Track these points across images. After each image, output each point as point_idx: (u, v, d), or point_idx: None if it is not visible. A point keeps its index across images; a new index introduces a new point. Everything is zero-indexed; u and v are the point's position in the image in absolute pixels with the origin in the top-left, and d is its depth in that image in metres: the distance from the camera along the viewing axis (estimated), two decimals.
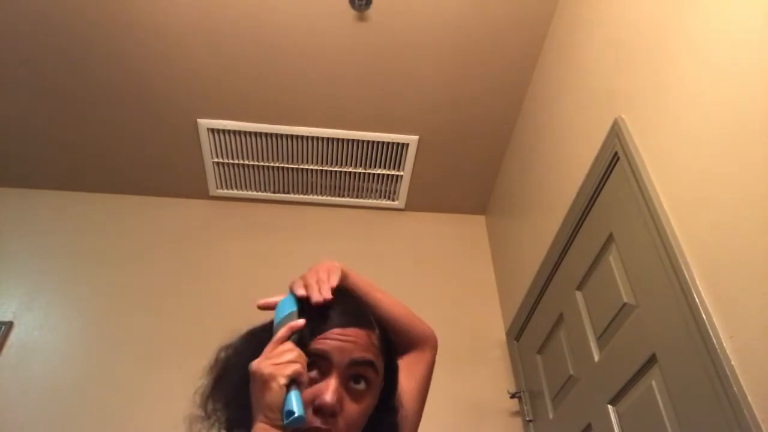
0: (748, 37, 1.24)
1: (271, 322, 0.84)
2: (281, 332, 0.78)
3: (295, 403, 0.72)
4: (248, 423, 0.75)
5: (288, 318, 0.81)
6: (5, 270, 2.74)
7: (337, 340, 0.79)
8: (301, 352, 0.76)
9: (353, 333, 0.81)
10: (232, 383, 0.83)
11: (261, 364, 0.75)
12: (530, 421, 2.30)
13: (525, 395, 2.36)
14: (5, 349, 2.47)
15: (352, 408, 0.78)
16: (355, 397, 0.79)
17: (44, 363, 2.45)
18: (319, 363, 0.78)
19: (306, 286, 0.84)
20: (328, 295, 0.82)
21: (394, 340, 0.93)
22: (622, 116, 1.73)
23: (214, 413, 0.85)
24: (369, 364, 0.80)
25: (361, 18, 2.37)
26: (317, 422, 0.75)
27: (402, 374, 0.93)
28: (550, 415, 2.14)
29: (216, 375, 0.87)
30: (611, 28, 1.88)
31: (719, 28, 1.34)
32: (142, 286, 2.72)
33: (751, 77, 1.22)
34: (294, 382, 0.74)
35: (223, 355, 0.88)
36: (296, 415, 0.71)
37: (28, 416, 2.29)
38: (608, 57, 1.88)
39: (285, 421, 0.72)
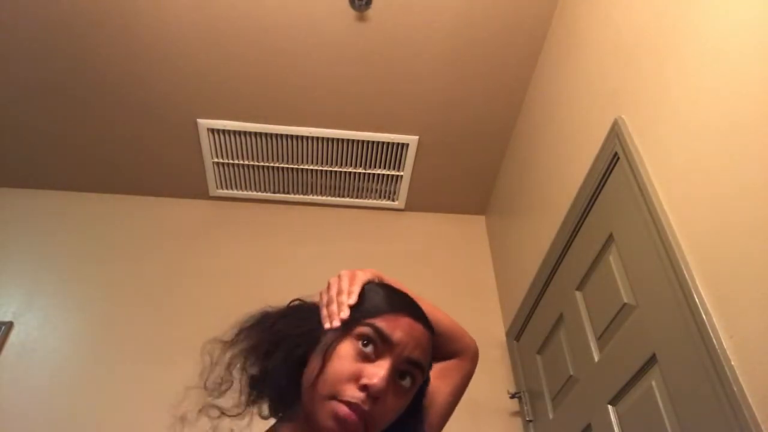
0: (749, 36, 1.24)
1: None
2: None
3: None
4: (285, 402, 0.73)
5: None
6: (5, 270, 2.74)
7: (405, 331, 0.76)
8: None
9: (419, 330, 0.78)
10: (281, 357, 0.79)
11: None
12: (530, 421, 2.30)
13: (525, 395, 2.36)
14: (5, 349, 2.47)
15: (391, 401, 0.74)
16: (398, 392, 0.76)
17: (44, 363, 2.45)
18: (376, 341, 0.74)
19: (325, 303, 0.79)
20: (345, 315, 0.76)
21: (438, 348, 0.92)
22: (622, 116, 1.73)
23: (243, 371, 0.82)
24: (421, 367, 0.78)
25: (361, 18, 2.37)
26: (359, 397, 0.71)
27: (439, 379, 0.91)
28: (550, 415, 2.14)
29: (259, 338, 0.83)
30: (611, 28, 1.88)
31: (719, 28, 1.34)
32: (142, 286, 2.72)
33: (752, 77, 1.22)
34: None
35: (269, 321, 0.83)
36: None
37: (28, 416, 2.29)
38: (608, 57, 1.88)
39: None
